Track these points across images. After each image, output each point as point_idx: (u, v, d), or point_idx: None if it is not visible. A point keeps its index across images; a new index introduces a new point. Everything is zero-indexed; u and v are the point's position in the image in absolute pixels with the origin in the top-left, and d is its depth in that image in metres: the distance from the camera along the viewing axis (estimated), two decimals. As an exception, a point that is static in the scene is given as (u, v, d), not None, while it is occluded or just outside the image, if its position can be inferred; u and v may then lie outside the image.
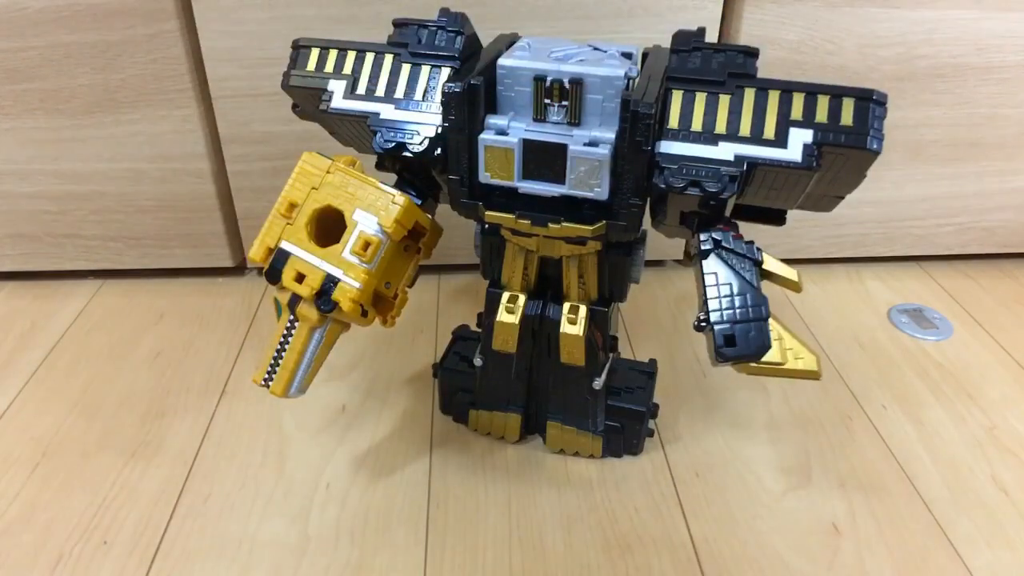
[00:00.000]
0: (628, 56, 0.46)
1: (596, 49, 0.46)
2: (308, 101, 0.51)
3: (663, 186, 0.42)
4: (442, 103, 0.45)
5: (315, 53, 0.50)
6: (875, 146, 0.41)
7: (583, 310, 0.52)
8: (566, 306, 0.53)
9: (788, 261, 0.45)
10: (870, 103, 0.41)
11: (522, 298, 0.54)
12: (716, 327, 0.41)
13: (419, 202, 0.49)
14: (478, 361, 0.58)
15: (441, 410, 0.64)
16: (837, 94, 0.42)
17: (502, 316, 0.54)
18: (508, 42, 0.50)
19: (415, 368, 0.70)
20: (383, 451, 0.61)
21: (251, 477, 0.58)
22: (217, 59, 0.71)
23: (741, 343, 0.41)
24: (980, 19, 0.71)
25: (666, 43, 0.48)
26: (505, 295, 0.54)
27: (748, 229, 0.47)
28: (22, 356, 0.72)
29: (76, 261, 0.82)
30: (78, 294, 0.81)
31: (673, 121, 0.43)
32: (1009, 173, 0.81)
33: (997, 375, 0.70)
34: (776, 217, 0.50)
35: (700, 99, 0.43)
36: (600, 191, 0.44)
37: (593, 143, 0.43)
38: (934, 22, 0.71)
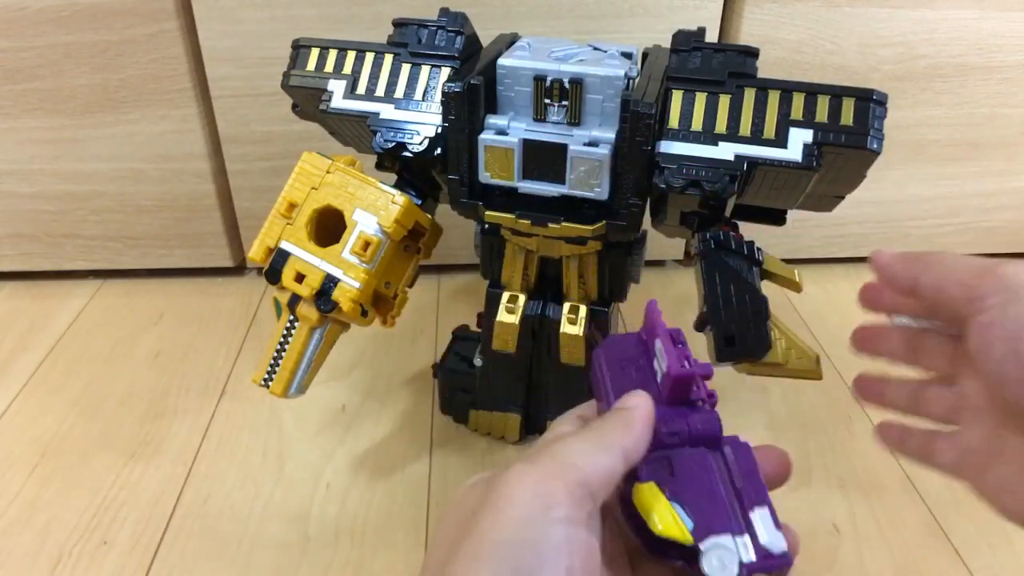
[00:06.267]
0: (628, 56, 0.46)
1: (596, 49, 0.46)
2: (308, 101, 0.51)
3: (663, 186, 0.42)
4: (442, 103, 0.45)
5: (315, 53, 0.50)
6: (875, 146, 0.41)
7: (583, 310, 0.52)
8: (566, 306, 0.53)
9: (788, 261, 0.45)
10: (870, 103, 0.41)
11: (522, 298, 0.54)
12: (717, 327, 0.41)
13: (419, 202, 0.49)
14: (478, 361, 0.58)
15: (441, 410, 0.64)
16: (837, 94, 0.42)
17: (502, 316, 0.53)
18: (508, 42, 0.50)
19: (415, 368, 0.70)
20: (383, 451, 0.61)
21: (251, 477, 0.58)
22: (217, 59, 0.71)
23: (741, 343, 0.41)
24: (981, 19, 0.71)
25: (666, 43, 0.48)
26: (505, 295, 0.54)
27: (748, 229, 0.47)
28: (22, 356, 0.72)
29: (76, 261, 0.82)
30: (78, 294, 0.81)
31: (673, 121, 0.43)
32: (1009, 173, 0.81)
33: (997, 375, 0.70)
34: (776, 217, 0.50)
35: (700, 99, 0.43)
36: (600, 191, 0.44)
37: (593, 143, 0.43)
38: (934, 22, 0.71)
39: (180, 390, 0.67)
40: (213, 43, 0.70)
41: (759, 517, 0.27)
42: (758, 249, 0.43)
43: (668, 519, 0.26)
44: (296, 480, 0.58)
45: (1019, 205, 0.83)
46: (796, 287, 0.44)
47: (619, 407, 0.29)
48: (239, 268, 0.85)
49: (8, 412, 0.65)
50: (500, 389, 0.58)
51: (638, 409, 0.28)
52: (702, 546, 0.26)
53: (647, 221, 0.48)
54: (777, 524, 0.27)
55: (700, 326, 0.43)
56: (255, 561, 0.51)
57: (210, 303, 0.80)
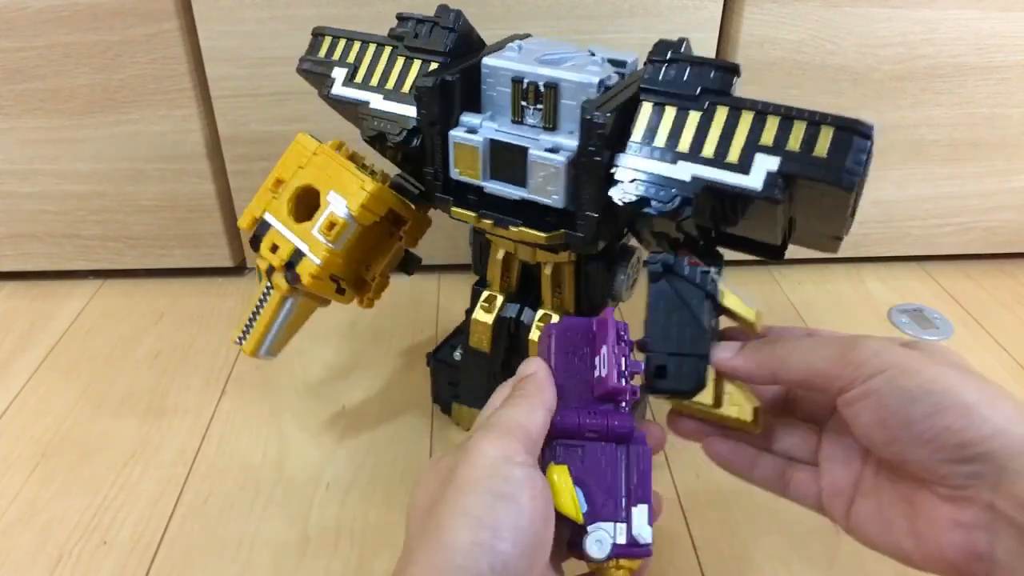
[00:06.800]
0: (622, 64, 0.46)
1: (592, 54, 0.46)
2: (318, 87, 0.53)
3: (616, 201, 0.40)
4: (415, 97, 0.45)
5: (327, 41, 0.52)
6: (846, 182, 0.36)
7: (555, 319, 0.52)
8: (539, 313, 0.53)
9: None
10: (851, 134, 0.36)
11: (500, 299, 0.54)
12: (650, 356, 0.39)
13: (417, 192, 0.51)
14: (457, 355, 0.58)
15: (432, 399, 0.64)
16: (816, 121, 0.37)
17: (477, 314, 0.54)
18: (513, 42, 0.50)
19: (415, 368, 0.70)
20: (383, 451, 0.61)
21: (251, 477, 0.58)
22: (217, 59, 0.71)
23: (673, 377, 0.38)
24: (980, 19, 0.71)
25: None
26: (484, 294, 0.54)
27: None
28: (22, 356, 0.72)
29: (76, 261, 0.82)
30: (78, 294, 0.81)
31: (637, 134, 0.41)
32: (1009, 173, 0.81)
33: (997, 375, 0.70)
34: (774, 251, 0.45)
35: (669, 114, 0.40)
36: (557, 199, 0.43)
37: (554, 149, 0.42)
38: (934, 22, 0.71)
39: (180, 390, 0.67)
40: (213, 43, 0.70)
41: (638, 512, 0.33)
42: (712, 280, 0.39)
43: (568, 500, 0.32)
44: (296, 480, 0.58)
45: (1019, 205, 0.83)
46: (752, 329, 0.39)
47: (524, 373, 0.36)
48: (239, 268, 0.85)
49: (8, 412, 0.65)
50: (479, 386, 0.59)
51: (539, 372, 0.36)
52: (589, 528, 0.32)
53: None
54: (650, 520, 0.34)
55: (643, 351, 0.40)
56: (255, 561, 0.52)
57: (210, 303, 0.80)
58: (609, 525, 0.33)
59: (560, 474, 0.33)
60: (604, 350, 0.36)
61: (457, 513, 0.29)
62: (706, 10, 0.70)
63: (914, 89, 0.75)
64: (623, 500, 0.34)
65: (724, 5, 0.70)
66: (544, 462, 0.34)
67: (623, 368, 0.36)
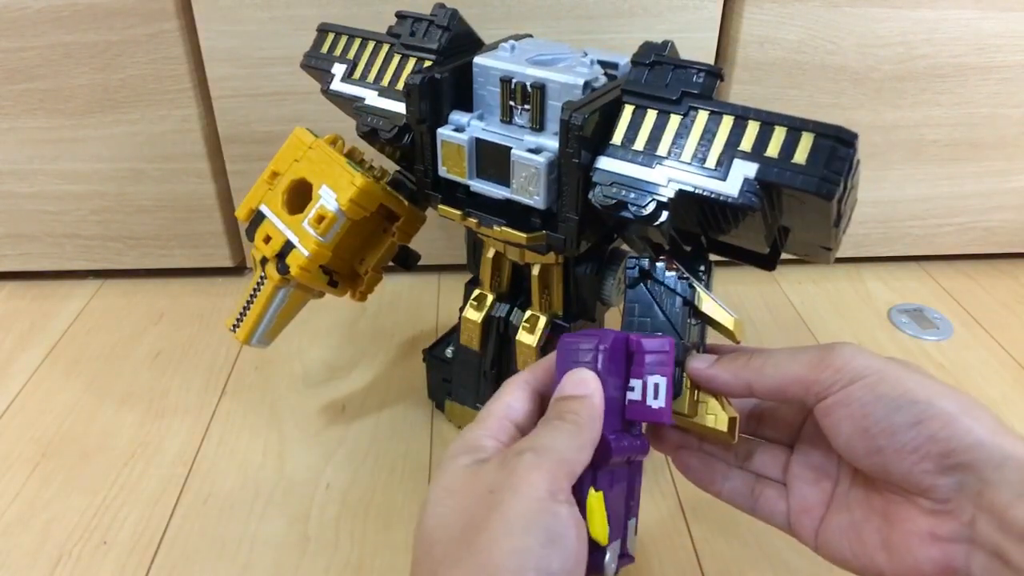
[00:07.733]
0: (614, 66, 0.45)
1: (585, 55, 0.46)
2: (320, 82, 0.53)
3: (595, 204, 0.40)
4: (404, 94, 0.45)
5: (330, 37, 0.53)
6: (824, 190, 0.35)
7: (542, 321, 0.52)
8: (527, 314, 0.53)
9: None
10: (831, 141, 0.35)
11: (490, 297, 0.54)
12: None
13: (416, 188, 0.51)
14: (449, 352, 0.59)
15: (428, 396, 0.64)
16: (797, 127, 0.36)
17: (467, 312, 0.55)
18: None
19: (415, 368, 0.70)
20: (383, 451, 0.61)
21: (251, 477, 0.58)
22: (217, 59, 0.71)
23: None
24: (980, 19, 0.71)
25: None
26: (475, 292, 0.55)
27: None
28: (22, 356, 0.72)
29: (76, 261, 0.82)
30: (78, 294, 0.81)
31: (617, 137, 0.40)
32: (1009, 173, 0.81)
33: (997, 375, 0.70)
34: (765, 260, 0.45)
35: (650, 117, 0.40)
36: (538, 199, 0.43)
37: (536, 150, 0.42)
38: (934, 22, 0.71)
39: (180, 390, 0.67)
40: (213, 43, 0.70)
41: (631, 525, 0.35)
42: (691, 286, 0.39)
43: (599, 526, 0.32)
44: (296, 480, 0.58)
45: (1019, 205, 0.83)
46: (732, 336, 0.39)
47: (578, 392, 0.33)
48: (239, 268, 0.85)
49: (8, 412, 0.65)
50: (469, 384, 0.59)
51: (595, 398, 0.33)
52: (608, 549, 0.32)
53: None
54: (635, 531, 0.35)
55: None
56: (255, 561, 0.52)
57: (210, 303, 0.80)
58: (617, 543, 0.33)
59: (597, 502, 0.32)
60: (659, 380, 0.34)
61: (507, 554, 0.27)
62: (706, 10, 0.70)
63: (914, 89, 0.75)
64: (624, 517, 0.34)
65: (724, 5, 0.70)
66: (580, 487, 0.33)
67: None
